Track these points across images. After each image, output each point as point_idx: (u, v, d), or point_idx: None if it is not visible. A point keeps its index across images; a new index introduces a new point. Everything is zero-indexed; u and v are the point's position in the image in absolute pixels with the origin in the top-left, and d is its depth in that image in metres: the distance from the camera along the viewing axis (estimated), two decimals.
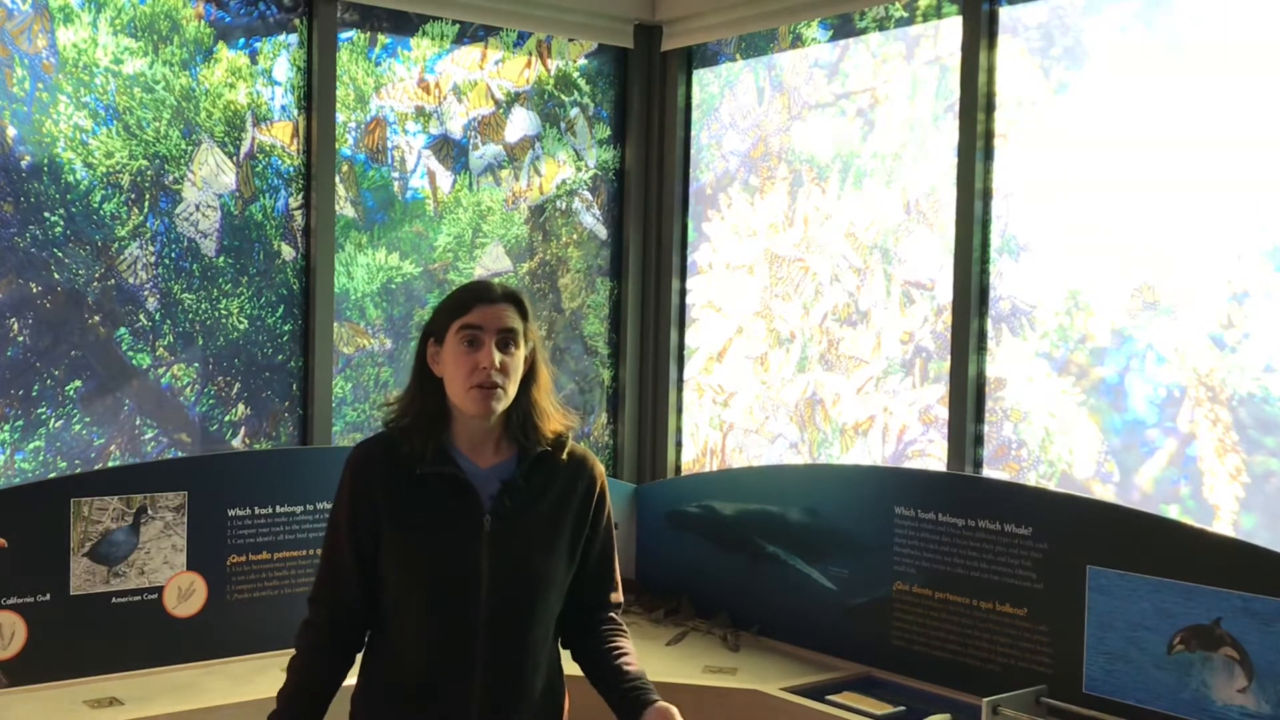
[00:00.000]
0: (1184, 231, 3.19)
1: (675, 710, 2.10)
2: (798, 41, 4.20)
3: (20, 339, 3.50)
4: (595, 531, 2.25)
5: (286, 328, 3.92)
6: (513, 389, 2.15)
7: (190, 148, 3.71)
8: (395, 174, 4.11)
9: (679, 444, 4.62)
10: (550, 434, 2.20)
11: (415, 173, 4.15)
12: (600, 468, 2.28)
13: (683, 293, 4.59)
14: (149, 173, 3.65)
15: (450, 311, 2.16)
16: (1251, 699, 2.79)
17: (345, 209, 4.00)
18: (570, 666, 2.30)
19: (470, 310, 2.13)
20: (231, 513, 3.49)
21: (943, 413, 3.72)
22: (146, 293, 3.67)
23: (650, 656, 3.64)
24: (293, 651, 2.21)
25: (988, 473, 3.60)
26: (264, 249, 3.87)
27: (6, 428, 3.48)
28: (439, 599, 2.13)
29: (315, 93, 3.88)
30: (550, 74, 4.42)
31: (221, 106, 3.75)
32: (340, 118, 3.96)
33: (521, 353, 2.16)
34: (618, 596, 2.33)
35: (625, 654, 2.24)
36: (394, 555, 2.14)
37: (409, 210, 4.15)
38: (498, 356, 2.11)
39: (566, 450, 2.23)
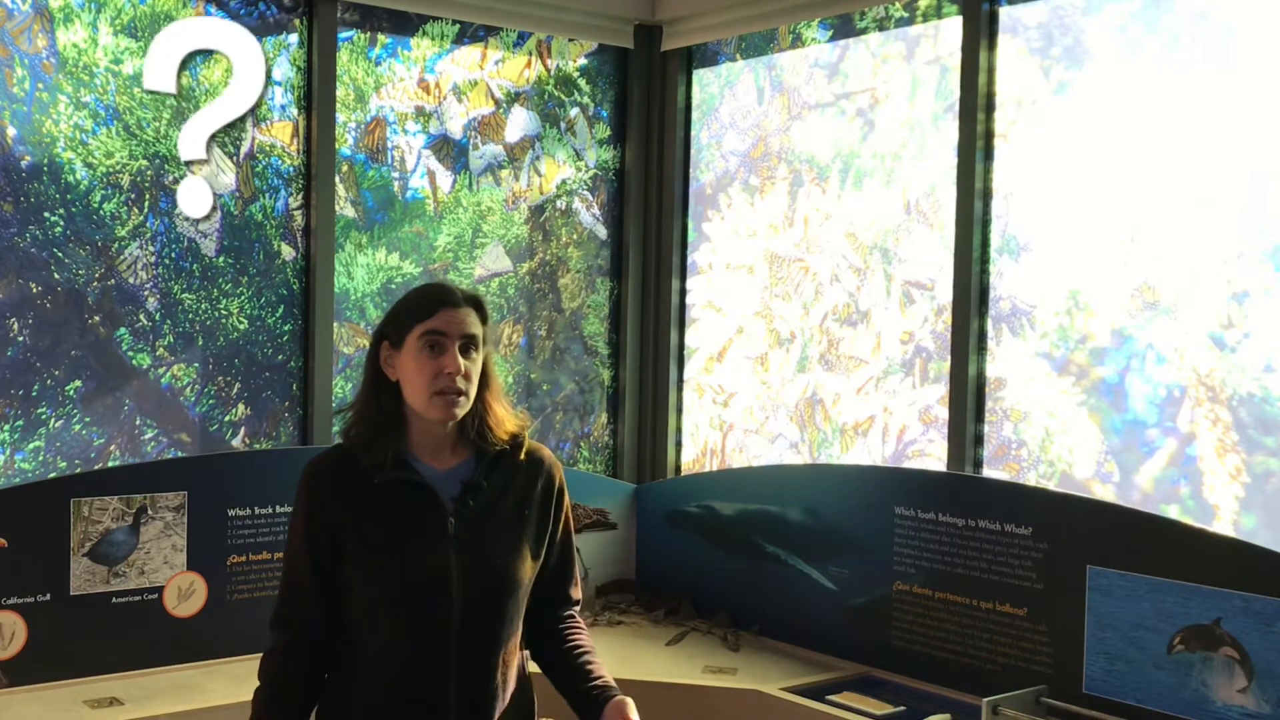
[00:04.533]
0: (1184, 231, 3.19)
1: (631, 702, 2.11)
2: (798, 41, 4.20)
3: (20, 339, 3.50)
4: (557, 527, 2.25)
5: (286, 328, 3.92)
6: (473, 393, 2.13)
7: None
8: (395, 174, 4.11)
9: (679, 444, 4.62)
10: (506, 436, 2.20)
11: (415, 173, 4.15)
12: (558, 464, 2.27)
13: (683, 293, 4.59)
14: (149, 173, 3.65)
15: (412, 315, 2.12)
16: (1251, 699, 2.79)
17: (345, 209, 4.00)
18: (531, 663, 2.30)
19: (434, 315, 2.10)
20: (231, 513, 3.49)
21: (943, 413, 3.72)
22: (146, 293, 3.67)
23: (650, 656, 3.64)
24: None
25: (988, 473, 3.60)
26: (264, 249, 3.87)
27: (6, 428, 3.48)
28: (410, 606, 2.10)
29: (315, 93, 3.88)
30: (550, 74, 4.43)
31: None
32: (340, 118, 3.96)
33: (480, 357, 2.15)
34: (577, 593, 2.32)
35: (587, 651, 2.25)
36: (359, 567, 2.10)
37: (409, 210, 4.15)
38: (461, 363, 2.09)
39: (524, 450, 2.23)
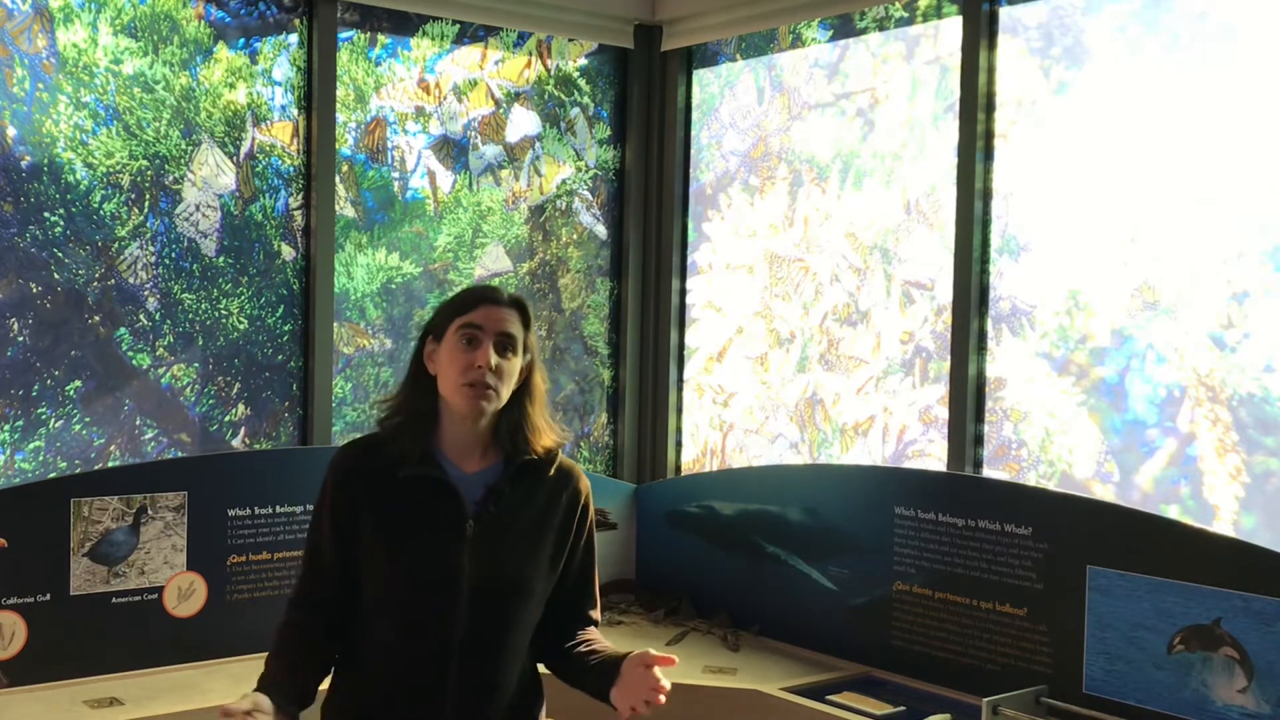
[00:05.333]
0: (1184, 231, 3.19)
1: (650, 650, 2.08)
2: (798, 41, 4.20)
3: (20, 339, 3.50)
4: (577, 545, 2.24)
5: (286, 328, 3.92)
6: (505, 393, 2.14)
7: (190, 148, 3.71)
8: (395, 174, 4.11)
9: (679, 444, 4.62)
10: (541, 449, 2.19)
11: (415, 173, 4.15)
12: (586, 483, 2.26)
13: (683, 293, 4.59)
14: (149, 173, 3.65)
15: (453, 309, 2.16)
16: (1251, 699, 2.79)
17: (345, 209, 4.00)
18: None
19: (473, 309, 2.14)
20: (231, 513, 3.49)
21: (943, 413, 3.72)
22: (146, 293, 3.67)
23: None
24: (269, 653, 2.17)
25: (988, 473, 3.60)
26: (264, 249, 3.87)
27: (6, 428, 3.48)
28: (419, 601, 2.11)
29: (315, 93, 3.88)
30: (550, 74, 4.43)
31: (221, 106, 3.75)
32: (340, 118, 3.96)
33: (519, 360, 2.15)
34: (596, 614, 2.31)
35: (591, 641, 2.23)
36: (374, 556, 2.12)
37: (409, 210, 4.15)
38: (494, 358, 2.10)
39: (555, 465, 2.22)
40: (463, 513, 2.13)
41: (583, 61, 4.51)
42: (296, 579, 2.22)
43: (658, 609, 4.09)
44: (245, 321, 3.84)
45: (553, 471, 2.21)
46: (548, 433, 2.21)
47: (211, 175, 3.75)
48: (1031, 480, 3.51)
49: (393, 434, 2.17)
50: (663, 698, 2.06)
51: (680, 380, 4.61)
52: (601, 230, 4.60)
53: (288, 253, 3.91)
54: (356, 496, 2.14)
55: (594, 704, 2.20)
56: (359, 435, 2.29)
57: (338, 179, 3.96)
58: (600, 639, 2.25)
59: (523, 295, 2.25)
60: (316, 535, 2.18)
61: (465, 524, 2.12)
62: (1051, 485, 3.45)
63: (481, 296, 2.16)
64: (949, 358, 3.66)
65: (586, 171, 4.53)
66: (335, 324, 3.98)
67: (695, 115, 4.55)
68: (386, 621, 2.13)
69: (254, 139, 3.82)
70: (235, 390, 3.85)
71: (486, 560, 2.12)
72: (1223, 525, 3.11)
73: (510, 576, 2.15)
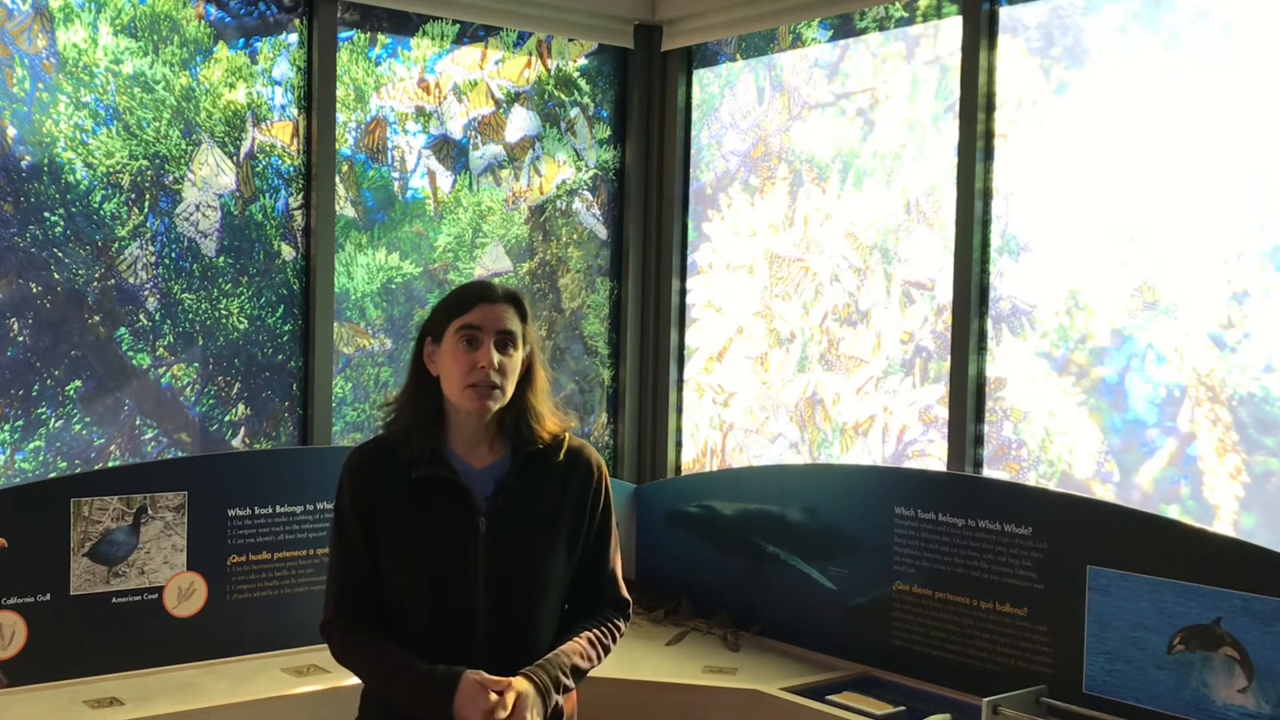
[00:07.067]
0: (1184, 231, 3.19)
1: (525, 694, 2.05)
2: (798, 41, 4.20)
3: (20, 339, 3.50)
4: (592, 523, 2.25)
5: (286, 328, 3.92)
6: (509, 389, 2.15)
7: (190, 148, 3.71)
8: (395, 174, 4.11)
9: (679, 444, 4.62)
10: (546, 435, 2.20)
11: (415, 173, 4.15)
12: (598, 459, 2.27)
13: (683, 293, 4.59)
14: (149, 173, 3.65)
15: (450, 310, 2.16)
16: (1251, 699, 2.79)
17: (345, 209, 4.00)
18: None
19: (471, 310, 2.14)
20: (231, 513, 3.49)
21: (943, 413, 3.72)
22: (146, 293, 3.67)
23: (650, 656, 3.64)
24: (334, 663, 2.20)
25: (988, 473, 3.60)
26: (264, 249, 3.87)
27: (6, 428, 3.48)
28: (438, 601, 2.13)
29: (315, 93, 3.88)
30: (550, 74, 4.43)
31: (221, 106, 3.75)
32: (340, 118, 3.96)
33: (519, 354, 2.17)
34: (619, 593, 2.31)
35: (569, 637, 2.21)
36: (392, 559, 2.14)
37: (409, 210, 4.15)
38: (496, 357, 2.11)
39: (565, 449, 2.23)
40: (474, 511, 2.14)
41: (583, 61, 4.51)
42: (330, 593, 2.21)
43: (658, 609, 4.09)
44: (245, 321, 3.84)
45: (561, 456, 2.22)
46: (551, 420, 2.22)
47: (211, 175, 3.75)
48: (1031, 480, 3.51)
49: (402, 435, 2.18)
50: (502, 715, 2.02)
51: (680, 380, 4.61)
52: (601, 230, 4.60)
53: (288, 253, 3.91)
54: (373, 495, 2.16)
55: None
56: (367, 438, 2.30)
57: (338, 179, 3.96)
58: (585, 634, 2.21)
59: (519, 289, 2.25)
60: (344, 538, 2.18)
61: (477, 521, 2.13)
62: (1051, 485, 3.45)
63: (477, 295, 2.17)
64: (949, 358, 3.66)
65: (586, 171, 4.53)
66: (335, 324, 3.98)
67: (695, 115, 4.55)
68: (410, 620, 2.15)
69: (254, 139, 3.82)
70: (235, 390, 3.85)
71: (500, 557, 2.13)
72: (1223, 525, 3.11)
73: (526, 570, 2.16)
